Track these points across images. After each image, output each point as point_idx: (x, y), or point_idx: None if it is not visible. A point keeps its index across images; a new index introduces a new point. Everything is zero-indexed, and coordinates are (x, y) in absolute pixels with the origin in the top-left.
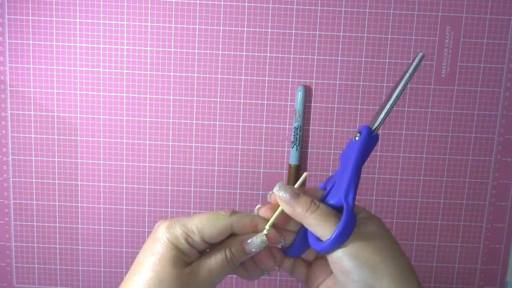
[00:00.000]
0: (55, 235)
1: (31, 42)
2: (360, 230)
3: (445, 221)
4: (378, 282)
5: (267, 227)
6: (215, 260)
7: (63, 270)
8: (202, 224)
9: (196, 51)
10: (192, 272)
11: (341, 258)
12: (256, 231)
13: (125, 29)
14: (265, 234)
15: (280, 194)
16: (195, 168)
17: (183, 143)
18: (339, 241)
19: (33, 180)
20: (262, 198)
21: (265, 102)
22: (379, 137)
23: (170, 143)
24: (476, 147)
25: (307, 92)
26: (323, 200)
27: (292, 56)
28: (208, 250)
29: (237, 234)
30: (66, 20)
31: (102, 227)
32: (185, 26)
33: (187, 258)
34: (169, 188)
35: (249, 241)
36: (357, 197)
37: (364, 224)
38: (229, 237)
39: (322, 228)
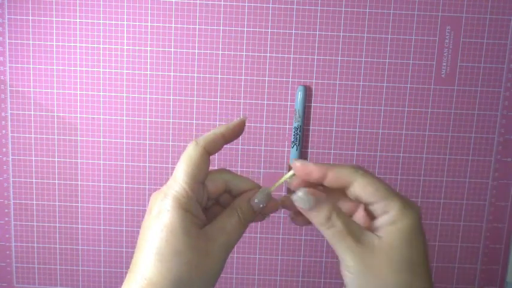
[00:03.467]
0: (55, 235)
1: (31, 42)
2: (374, 252)
3: (445, 221)
4: None
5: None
6: (229, 223)
7: (63, 270)
8: (186, 171)
9: (196, 51)
10: (209, 238)
11: (347, 284)
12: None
13: (125, 29)
14: (269, 189)
15: (298, 203)
16: None
17: (183, 143)
18: None
19: (33, 180)
20: None
21: (265, 102)
22: None
23: (170, 143)
24: (476, 147)
25: (307, 92)
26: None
27: (292, 56)
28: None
29: (243, 196)
30: (66, 20)
31: (102, 227)
32: (185, 26)
33: (197, 219)
34: None
35: (256, 200)
36: None
37: (385, 238)
38: (236, 200)
39: (335, 246)
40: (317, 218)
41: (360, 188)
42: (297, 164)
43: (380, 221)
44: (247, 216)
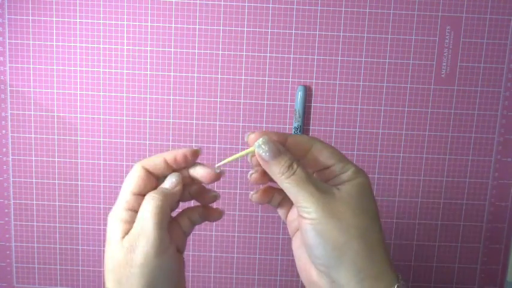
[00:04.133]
0: (55, 235)
1: (31, 42)
2: (335, 199)
3: (445, 221)
4: (338, 261)
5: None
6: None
7: (63, 270)
8: (130, 186)
9: (196, 51)
10: (131, 236)
11: (307, 231)
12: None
13: (125, 29)
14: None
15: (259, 152)
16: None
17: (183, 143)
18: None
19: (33, 180)
20: None
21: (265, 102)
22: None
23: (170, 143)
24: (476, 147)
25: (307, 92)
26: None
27: (292, 56)
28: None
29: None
30: (66, 20)
31: (102, 227)
32: (185, 26)
33: (128, 225)
34: None
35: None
36: None
37: (344, 190)
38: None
39: (296, 194)
40: (279, 166)
41: (318, 151)
42: (255, 134)
43: (337, 179)
44: (158, 195)
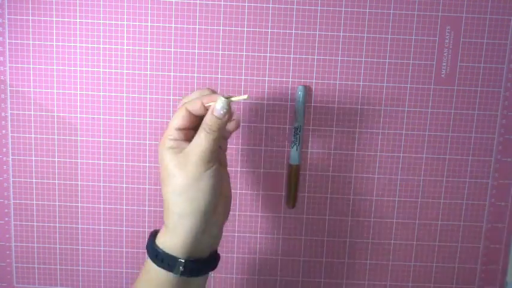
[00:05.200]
0: (55, 235)
1: (31, 42)
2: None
3: (445, 221)
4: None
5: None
6: (199, 137)
7: (63, 270)
8: (170, 123)
9: (196, 51)
10: (186, 153)
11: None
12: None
13: (125, 29)
14: (225, 97)
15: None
16: None
17: None
18: None
19: (33, 180)
20: (262, 198)
21: (265, 102)
22: None
23: None
24: (476, 147)
25: (307, 92)
26: None
27: (292, 56)
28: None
29: (208, 112)
30: (66, 20)
31: (102, 227)
32: (185, 26)
33: (179, 149)
34: None
35: (216, 109)
36: (357, 197)
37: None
38: (204, 119)
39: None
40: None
41: None
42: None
43: None
44: (213, 126)
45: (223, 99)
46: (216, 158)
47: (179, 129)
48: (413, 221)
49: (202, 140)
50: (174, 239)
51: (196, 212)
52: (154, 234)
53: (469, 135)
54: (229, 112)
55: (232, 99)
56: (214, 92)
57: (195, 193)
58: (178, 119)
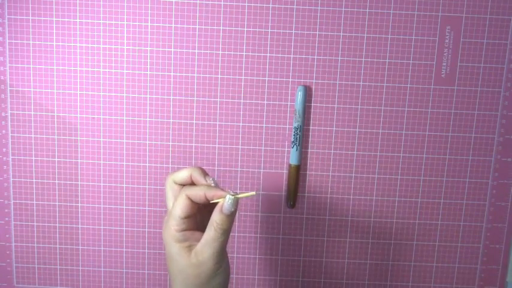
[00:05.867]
0: (55, 235)
1: (31, 42)
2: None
3: (445, 221)
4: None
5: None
6: (209, 235)
7: (63, 270)
8: (174, 214)
9: (196, 51)
10: (198, 253)
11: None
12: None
13: (125, 29)
14: (231, 194)
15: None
16: None
17: (183, 143)
18: None
19: (33, 180)
20: (262, 199)
21: (265, 102)
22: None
23: (170, 143)
24: (476, 147)
25: (307, 92)
26: None
27: (292, 56)
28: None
29: (215, 210)
30: (66, 20)
31: (102, 227)
32: (185, 26)
33: (187, 243)
34: None
35: (225, 208)
36: (357, 197)
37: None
38: (212, 215)
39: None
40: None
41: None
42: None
43: None
44: (223, 224)
45: (232, 197)
46: (226, 255)
47: (182, 218)
48: (413, 221)
49: (213, 241)
50: None
51: None
52: None
53: (469, 135)
54: (236, 208)
55: (239, 196)
56: (206, 174)
57: None
58: (182, 209)
